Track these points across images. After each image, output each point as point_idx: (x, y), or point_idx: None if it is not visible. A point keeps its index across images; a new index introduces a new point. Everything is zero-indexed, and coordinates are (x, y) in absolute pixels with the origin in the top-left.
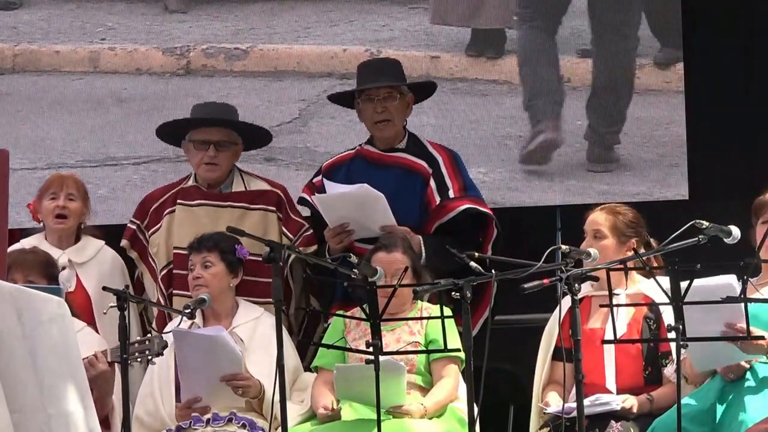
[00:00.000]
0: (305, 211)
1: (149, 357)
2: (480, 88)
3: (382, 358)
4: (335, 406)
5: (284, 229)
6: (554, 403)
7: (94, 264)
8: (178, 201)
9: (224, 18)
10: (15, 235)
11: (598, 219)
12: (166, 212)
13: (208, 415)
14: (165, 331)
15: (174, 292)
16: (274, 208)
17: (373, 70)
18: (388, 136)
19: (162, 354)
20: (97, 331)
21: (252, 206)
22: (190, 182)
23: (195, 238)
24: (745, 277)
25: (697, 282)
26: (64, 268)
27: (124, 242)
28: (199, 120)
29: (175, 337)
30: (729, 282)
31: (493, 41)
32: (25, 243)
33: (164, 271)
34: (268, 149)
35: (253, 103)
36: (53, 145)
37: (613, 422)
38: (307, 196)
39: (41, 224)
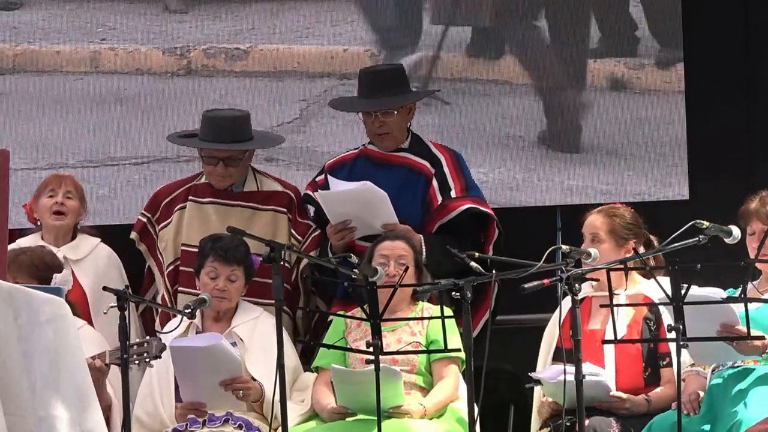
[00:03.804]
0: (310, 210)
1: (147, 359)
2: (480, 88)
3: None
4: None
5: (293, 231)
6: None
7: (89, 261)
8: (190, 197)
9: (225, 18)
10: (15, 235)
11: (595, 222)
12: (177, 208)
13: (204, 416)
14: (163, 331)
15: (179, 289)
16: (285, 210)
17: (372, 83)
18: (388, 146)
19: (160, 357)
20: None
21: (262, 207)
22: (203, 179)
23: (218, 243)
24: (746, 279)
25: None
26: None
27: (133, 234)
28: (208, 139)
29: (172, 352)
30: (717, 294)
31: (493, 41)
32: (22, 243)
33: (170, 267)
34: (269, 149)
35: (253, 103)
36: (54, 145)
37: (613, 422)
38: (311, 194)
39: (38, 224)
